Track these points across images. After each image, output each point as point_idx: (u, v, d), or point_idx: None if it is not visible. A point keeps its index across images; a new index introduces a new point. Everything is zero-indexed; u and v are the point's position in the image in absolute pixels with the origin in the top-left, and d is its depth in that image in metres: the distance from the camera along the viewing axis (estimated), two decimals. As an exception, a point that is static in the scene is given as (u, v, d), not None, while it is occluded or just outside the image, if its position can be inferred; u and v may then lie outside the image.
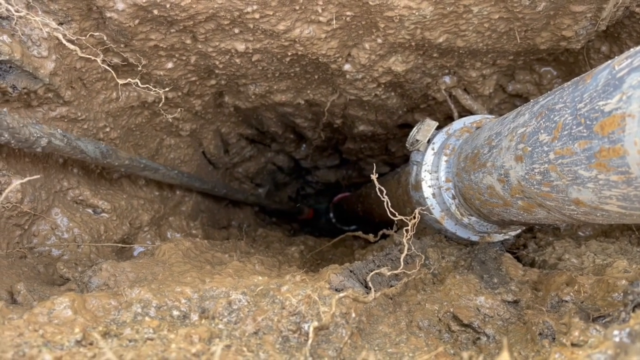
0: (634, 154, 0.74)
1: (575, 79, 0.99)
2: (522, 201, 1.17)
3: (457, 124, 1.64)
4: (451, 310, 1.20)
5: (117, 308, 0.94)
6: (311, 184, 4.56)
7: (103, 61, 1.47)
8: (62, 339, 0.77)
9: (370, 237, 1.85)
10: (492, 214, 1.38)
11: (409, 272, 1.14)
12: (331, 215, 4.80)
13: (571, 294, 1.17)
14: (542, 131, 1.01)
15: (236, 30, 1.58)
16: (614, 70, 0.82)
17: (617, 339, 0.68)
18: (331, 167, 4.05)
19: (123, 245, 1.62)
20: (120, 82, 1.47)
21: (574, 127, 0.89)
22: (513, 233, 1.61)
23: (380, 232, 1.79)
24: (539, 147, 1.01)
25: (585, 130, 0.85)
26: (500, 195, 1.23)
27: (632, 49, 0.84)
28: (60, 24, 1.38)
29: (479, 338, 1.15)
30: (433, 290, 1.33)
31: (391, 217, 1.23)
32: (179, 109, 2.04)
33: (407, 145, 1.68)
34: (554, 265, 1.50)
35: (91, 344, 0.77)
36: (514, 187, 1.16)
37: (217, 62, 1.78)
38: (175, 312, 0.95)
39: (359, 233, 1.97)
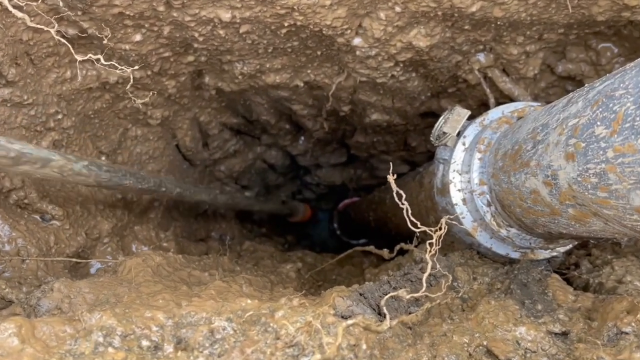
0: None
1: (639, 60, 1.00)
2: (573, 209, 1.18)
3: (494, 113, 1.65)
4: (484, 343, 1.21)
5: (74, 336, 0.96)
6: (311, 186, 4.58)
7: (57, 32, 1.49)
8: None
9: (385, 252, 1.87)
10: (537, 225, 1.39)
11: (432, 296, 1.16)
12: (335, 225, 4.82)
13: (633, 324, 1.18)
14: (598, 123, 1.02)
15: (220, -5, 1.61)
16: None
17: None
18: (336, 165, 4.07)
19: (78, 260, 1.64)
20: (79, 58, 1.49)
21: (638, 118, 0.90)
22: (562, 249, 1.62)
23: (397, 247, 1.81)
24: (595, 142, 1.02)
25: None
26: (547, 201, 1.24)
27: None
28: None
29: (518, 378, 1.17)
30: (462, 318, 1.34)
31: (411, 227, 1.25)
32: (148, 92, 2.06)
33: (431, 139, 1.69)
34: (612, 289, 1.52)
35: (43, 379, 0.79)
36: (563, 192, 1.17)
37: (196, 34, 1.80)
38: (145, 342, 0.97)
39: (371, 248, 1.99)
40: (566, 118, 1.15)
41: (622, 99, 0.96)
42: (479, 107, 2.31)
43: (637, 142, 0.90)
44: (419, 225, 1.22)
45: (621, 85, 0.99)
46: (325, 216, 4.99)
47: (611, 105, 0.99)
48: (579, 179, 1.09)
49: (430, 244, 1.16)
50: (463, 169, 1.62)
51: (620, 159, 0.95)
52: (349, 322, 0.95)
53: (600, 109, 1.02)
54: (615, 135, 0.95)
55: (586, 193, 1.09)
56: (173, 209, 2.64)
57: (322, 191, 4.64)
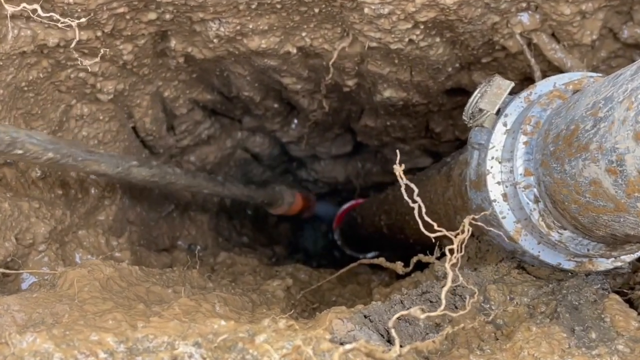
0: None
1: None
2: None
3: (544, 86, 1.66)
4: (523, 380, 1.23)
5: (0, 364, 0.97)
6: (307, 183, 4.59)
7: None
8: None
9: (398, 266, 1.88)
10: (597, 226, 1.39)
11: (454, 315, 1.18)
12: (336, 236, 4.82)
13: None
14: None
15: None
16: None
17: None
18: (339, 156, 4.08)
19: (6, 272, 1.65)
20: (10, 8, 1.50)
21: None
22: (628, 257, 1.62)
23: (414, 259, 1.82)
24: None
25: None
26: (610, 194, 1.25)
27: None
28: None
29: None
30: (495, 349, 1.35)
31: (424, 231, 1.26)
32: (97, 59, 2.07)
33: (464, 118, 1.69)
34: (687, 314, 1.53)
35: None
36: (631, 181, 1.17)
37: (159, -15, 1.81)
38: (90, 372, 0.99)
39: (380, 261, 2.00)
40: (636, 89, 1.16)
41: None
42: (521, 83, 2.31)
43: None
44: (435, 228, 1.23)
45: None
46: (328, 208, 4.81)
47: None
48: None
49: (451, 251, 1.17)
50: (504, 156, 1.62)
51: None
52: (347, 347, 0.96)
53: None
54: None
55: None
56: (129, 209, 2.65)
57: (320, 190, 4.66)
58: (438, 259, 1.76)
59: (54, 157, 1.67)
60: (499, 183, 1.61)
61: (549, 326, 1.37)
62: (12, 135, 1.50)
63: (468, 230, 1.23)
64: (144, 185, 2.36)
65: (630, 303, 1.66)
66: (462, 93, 2.67)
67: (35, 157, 1.62)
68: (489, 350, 1.34)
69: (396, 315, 1.09)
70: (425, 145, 3.47)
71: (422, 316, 1.08)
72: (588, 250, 1.56)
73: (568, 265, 1.62)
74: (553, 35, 2.10)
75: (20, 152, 1.55)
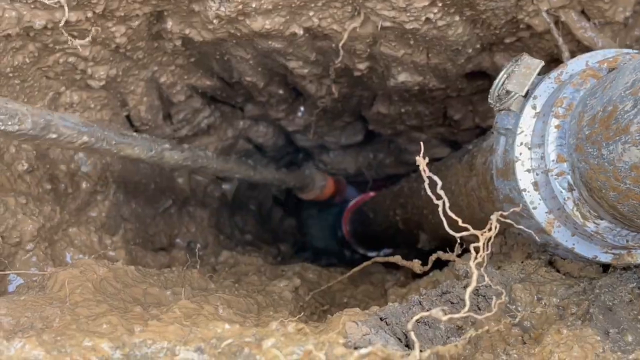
0: None
1: None
2: None
3: (576, 65, 1.66)
4: (553, 387, 1.23)
5: (-14, 372, 0.98)
6: (316, 175, 4.61)
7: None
8: None
9: (416, 265, 1.88)
10: (638, 214, 1.40)
11: (478, 317, 1.17)
12: (344, 232, 4.82)
13: None
14: None
15: None
16: None
17: None
18: (349, 146, 4.09)
19: (-8, 273, 1.65)
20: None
21: None
22: None
23: (433, 257, 1.82)
24: None
25: None
26: None
27: None
28: None
29: None
30: (522, 353, 1.36)
31: (449, 230, 1.26)
32: (87, 41, 2.07)
33: (490, 101, 1.69)
34: None
35: None
36: None
37: (154, -39, 1.81)
38: (84, 381, 0.99)
39: (396, 259, 2.00)
40: None
41: None
42: (548, 65, 2.30)
43: None
44: (460, 224, 1.22)
45: None
46: (357, 193, 4.76)
47: None
48: None
49: (476, 249, 1.17)
50: (534, 141, 1.62)
51: None
52: (363, 351, 0.96)
53: None
54: None
55: None
56: (124, 204, 2.66)
57: (331, 184, 4.67)
58: (459, 256, 1.76)
59: (88, 141, 1.71)
60: (528, 171, 1.61)
61: (581, 329, 1.37)
62: (46, 118, 1.52)
63: (496, 228, 1.23)
64: (176, 168, 2.37)
65: (669, 303, 1.66)
66: (483, 77, 2.67)
67: (70, 142, 1.65)
68: (515, 355, 1.35)
69: (415, 317, 1.09)
70: (442, 134, 3.48)
71: (444, 318, 1.08)
72: (627, 241, 1.56)
73: (605, 258, 1.62)
74: (582, 12, 2.09)
75: (54, 135, 1.58)
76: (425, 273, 1.93)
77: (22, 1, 1.49)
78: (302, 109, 3.44)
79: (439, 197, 1.26)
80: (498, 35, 2.30)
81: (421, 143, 1.54)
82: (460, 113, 3.13)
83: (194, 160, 2.32)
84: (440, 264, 1.89)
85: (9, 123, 1.41)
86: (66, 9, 1.64)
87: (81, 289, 1.47)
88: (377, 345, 1.01)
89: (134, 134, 2.00)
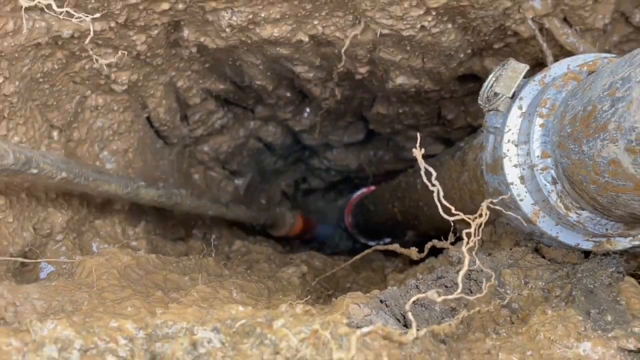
0: None
1: None
2: None
3: (558, 68, 1.66)
4: (539, 363, 1.23)
5: (21, 351, 0.98)
6: (319, 172, 4.59)
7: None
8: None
9: (413, 252, 1.88)
10: (616, 205, 1.40)
11: (470, 298, 1.18)
12: (348, 223, 4.81)
13: None
14: None
15: None
16: None
17: None
18: (351, 145, 4.09)
19: (25, 261, 1.66)
20: (24, 3, 1.50)
21: None
22: None
23: (429, 245, 1.82)
24: None
25: None
26: (630, 173, 1.26)
27: None
28: None
29: (581, 406, 1.19)
30: (511, 332, 1.36)
31: (444, 214, 1.26)
32: (112, 51, 2.08)
33: (479, 102, 1.70)
34: (701, 296, 1.53)
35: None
36: None
37: (172, -25, 1.81)
38: (111, 358, 0.99)
39: (395, 247, 2.00)
40: None
41: None
42: (533, 68, 2.30)
43: None
44: (453, 212, 1.23)
45: None
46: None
47: None
48: None
49: (468, 235, 1.17)
50: (520, 138, 1.63)
51: None
52: (365, 330, 0.97)
53: None
54: None
55: None
56: (144, 199, 2.67)
57: (333, 178, 4.66)
58: (452, 244, 1.76)
59: (67, 177, 1.70)
60: (515, 166, 1.62)
61: (564, 309, 1.37)
62: (27, 155, 1.51)
63: (486, 214, 1.23)
64: (152, 205, 2.36)
65: (644, 285, 1.66)
66: (474, 79, 2.67)
67: (50, 177, 1.63)
68: (504, 334, 1.35)
69: (413, 299, 1.09)
70: (437, 133, 3.47)
71: (439, 299, 1.08)
72: (606, 229, 1.56)
73: (587, 245, 1.62)
74: (565, 19, 2.09)
75: (35, 171, 1.56)
76: (422, 260, 1.93)
77: (53, 11, 1.49)
78: (307, 110, 3.44)
79: (432, 184, 1.26)
80: (487, 41, 2.30)
81: (418, 134, 1.54)
82: (453, 113, 3.13)
83: (168, 198, 2.32)
84: (435, 252, 1.89)
85: None
86: (91, 25, 1.64)
87: (107, 275, 1.48)
88: (378, 324, 1.01)
89: (110, 172, 2.00)
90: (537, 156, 1.57)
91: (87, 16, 1.41)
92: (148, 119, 2.69)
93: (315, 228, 4.76)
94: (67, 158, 1.76)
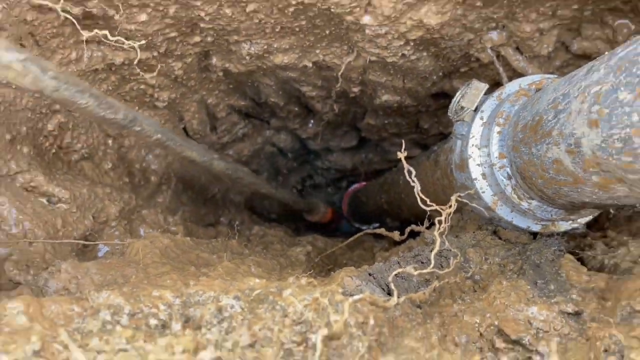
0: None
1: None
2: (597, 176, 1.20)
3: (512, 87, 1.67)
4: (496, 323, 1.23)
5: (82, 315, 0.98)
6: (321, 171, 4.59)
7: (64, 10, 1.51)
8: (16, 349, 0.82)
9: (396, 235, 1.88)
10: (559, 195, 1.41)
11: (441, 272, 1.18)
12: (344, 211, 4.81)
13: (647, 303, 1.19)
14: (622, 88, 1.03)
15: (226, -27, 1.62)
16: None
17: (695, 350, 0.71)
18: (347, 149, 4.08)
19: (85, 243, 1.66)
20: (85, 34, 1.50)
21: None
22: (584, 220, 1.64)
23: (408, 229, 1.82)
24: (619, 108, 1.03)
25: None
26: (570, 170, 1.26)
27: None
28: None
29: (530, 357, 1.18)
30: (473, 299, 1.36)
31: (422, 206, 1.26)
32: (154, 74, 2.08)
33: (449, 114, 1.70)
34: (628, 269, 1.53)
35: (52, 354, 0.82)
36: (587, 160, 1.18)
37: (202, 14, 1.81)
38: (153, 321, 0.99)
39: (381, 230, 2.00)
40: (588, 86, 1.16)
41: None
42: (492, 87, 2.30)
43: None
44: (428, 203, 1.23)
45: None
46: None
47: (635, 70, 1.01)
48: (603, 145, 1.10)
49: (440, 222, 1.18)
50: (482, 143, 1.63)
51: None
52: (355, 297, 0.97)
53: (624, 75, 1.04)
54: None
55: (610, 159, 1.10)
56: (182, 193, 2.66)
57: (333, 176, 4.66)
58: (427, 228, 1.76)
59: (160, 138, 1.70)
60: (478, 165, 1.62)
61: (516, 280, 1.37)
62: (133, 114, 1.53)
63: (454, 206, 1.24)
64: (219, 174, 2.35)
65: (581, 261, 1.66)
66: (445, 96, 2.66)
67: (148, 135, 1.64)
68: (468, 300, 1.35)
69: (394, 273, 1.09)
70: (415, 139, 3.46)
71: (415, 273, 1.08)
72: (551, 215, 1.58)
73: (535, 227, 1.64)
74: (517, 48, 2.09)
75: (138, 128, 1.57)
76: (403, 241, 1.93)
77: (106, 44, 1.49)
78: (311, 121, 3.43)
79: (412, 180, 1.26)
80: (455, 66, 2.29)
81: (402, 141, 1.55)
82: (428, 123, 3.12)
83: (234, 171, 2.32)
84: (414, 234, 1.89)
85: (108, 112, 1.41)
86: (138, 51, 1.65)
87: (151, 254, 1.48)
88: (366, 293, 1.01)
89: (194, 142, 2.00)
90: (496, 157, 1.57)
91: (135, 42, 1.41)
92: (184, 129, 2.69)
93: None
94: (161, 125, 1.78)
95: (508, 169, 1.57)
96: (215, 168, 2.17)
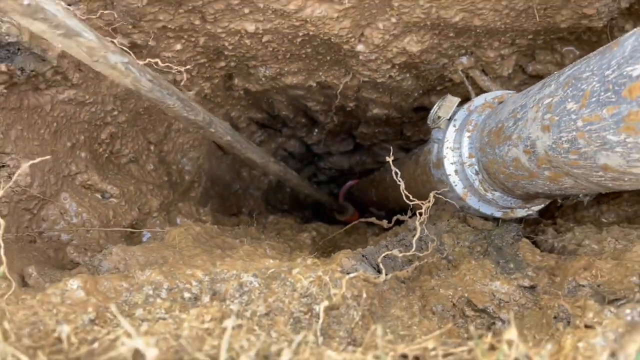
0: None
1: (601, 48, 1.03)
2: (548, 171, 1.21)
3: (479, 100, 1.67)
4: (465, 295, 1.23)
5: (129, 290, 0.98)
6: (324, 170, 4.57)
7: (120, 44, 1.50)
8: (76, 318, 0.81)
9: (384, 223, 1.87)
10: (517, 187, 1.41)
11: (420, 255, 1.17)
12: (341, 203, 4.80)
13: (588, 278, 1.19)
14: (569, 100, 1.04)
15: (246, 10, 1.61)
16: (641, 35, 0.86)
17: (628, 318, 0.71)
18: (344, 152, 4.07)
19: (132, 230, 1.66)
20: (140, 62, 1.50)
21: (602, 93, 0.93)
22: (536, 208, 1.65)
23: (394, 218, 1.81)
24: (567, 115, 1.04)
25: (613, 96, 0.90)
26: (526, 167, 1.26)
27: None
28: (69, 4, 1.41)
29: (493, 323, 1.18)
30: (447, 275, 1.35)
31: (406, 200, 1.26)
32: (192, 93, 2.08)
33: (428, 122, 1.71)
34: (573, 251, 1.52)
35: (105, 322, 0.81)
36: (540, 158, 1.19)
37: (226, 44, 1.81)
38: (187, 294, 0.99)
39: (372, 219, 1.99)
40: (541, 98, 1.17)
41: (589, 79, 0.99)
42: (463, 101, 2.29)
43: (602, 112, 0.93)
44: (412, 198, 1.23)
45: (587, 68, 1.02)
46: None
47: (579, 85, 1.02)
48: (553, 145, 1.11)
49: (420, 213, 1.17)
50: (455, 145, 1.63)
51: (588, 127, 0.98)
52: (351, 275, 0.96)
53: (571, 89, 1.05)
54: (584, 109, 0.98)
55: (559, 157, 1.11)
56: (210, 188, 2.66)
57: (333, 174, 4.64)
58: (410, 217, 1.75)
59: (230, 140, 1.73)
60: (452, 163, 1.63)
61: (482, 260, 1.37)
62: (210, 117, 1.57)
63: (432, 200, 1.23)
64: (275, 175, 2.34)
65: (535, 244, 1.65)
66: (424, 110, 2.65)
67: (220, 137, 1.66)
68: (443, 276, 1.34)
69: (382, 255, 1.09)
70: (400, 144, 3.45)
71: (400, 255, 1.08)
72: (510, 204, 1.59)
73: (498, 214, 1.65)
74: (483, 70, 2.08)
75: (213, 130, 1.60)
76: (390, 228, 1.92)
77: (159, 67, 1.48)
78: (315, 130, 3.42)
79: (399, 180, 1.26)
80: (432, 85, 2.29)
81: (390, 147, 1.55)
82: (411, 132, 3.11)
83: (285, 173, 2.34)
84: (399, 223, 1.88)
85: (190, 113, 1.42)
86: (184, 74, 1.64)
87: (185, 239, 1.48)
88: (360, 271, 1.01)
89: (256, 146, 2.02)
90: (466, 157, 1.58)
91: (182, 68, 1.40)
92: (212, 137, 2.69)
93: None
94: (231, 129, 1.80)
95: (476, 167, 1.57)
96: (271, 169, 2.19)
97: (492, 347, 0.73)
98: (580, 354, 0.70)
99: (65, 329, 0.70)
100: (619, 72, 0.88)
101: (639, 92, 0.83)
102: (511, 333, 0.61)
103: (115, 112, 1.81)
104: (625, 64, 0.88)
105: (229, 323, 0.72)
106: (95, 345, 0.69)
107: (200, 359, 0.66)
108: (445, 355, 0.69)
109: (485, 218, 1.68)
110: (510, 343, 0.61)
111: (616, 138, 0.91)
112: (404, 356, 0.71)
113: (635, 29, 0.92)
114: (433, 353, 0.69)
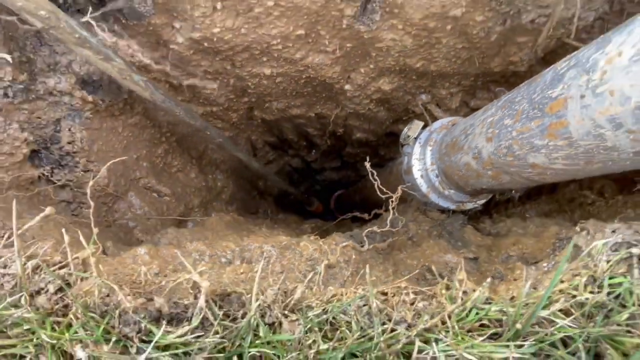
0: (574, 123, 0.83)
1: (528, 80, 1.07)
2: (491, 171, 1.23)
3: (437, 124, 1.69)
4: (426, 264, 1.25)
5: (181, 250, 1.01)
6: (319, 182, 4.59)
7: (167, 82, 1.54)
8: (146, 270, 0.84)
9: (366, 216, 1.89)
10: (467, 185, 1.42)
11: (393, 231, 1.20)
12: (332, 206, 4.79)
13: (516, 250, 1.22)
14: (506, 117, 1.08)
15: (264, 59, 1.65)
16: (557, 69, 0.90)
17: (545, 268, 0.74)
18: (334, 168, 4.08)
19: (181, 219, 1.68)
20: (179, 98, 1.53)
21: (530, 111, 0.97)
22: (481, 202, 1.65)
23: (373, 212, 1.83)
24: (504, 129, 1.08)
25: (539, 112, 0.94)
26: (474, 168, 1.28)
27: (567, 55, 0.92)
28: (139, 52, 1.45)
29: (447, 285, 1.20)
30: (412, 251, 1.37)
31: (379, 194, 1.28)
32: (220, 121, 2.10)
33: (400, 140, 1.73)
34: (504, 234, 1.55)
35: (165, 276, 0.84)
36: (485, 161, 1.21)
37: (249, 84, 1.84)
38: (223, 259, 1.02)
39: (356, 213, 2.01)
40: (485, 118, 1.20)
41: (520, 102, 1.03)
42: (423, 128, 2.31)
43: (530, 124, 0.97)
44: (387, 192, 1.25)
45: (518, 94, 1.06)
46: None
47: (513, 106, 1.05)
48: (495, 151, 1.14)
49: (392, 200, 1.20)
50: (420, 157, 1.65)
51: (521, 136, 1.01)
52: (343, 244, 0.99)
53: (507, 110, 1.08)
54: (517, 123, 1.02)
55: (499, 159, 1.14)
56: (236, 193, 2.68)
57: (326, 185, 4.65)
58: (385, 211, 1.77)
59: (222, 142, 1.76)
60: (418, 170, 1.65)
61: (438, 240, 1.39)
62: (206, 124, 1.60)
63: (400, 192, 1.26)
64: (255, 170, 2.42)
65: (477, 230, 1.67)
66: (394, 135, 2.67)
67: (213, 138, 1.69)
68: (410, 251, 1.36)
69: (366, 231, 1.11)
70: (376, 162, 3.44)
71: (378, 231, 1.10)
72: (462, 199, 1.60)
73: (452, 207, 1.66)
74: (437, 104, 2.11)
75: (208, 133, 1.63)
76: (370, 220, 1.94)
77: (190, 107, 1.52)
78: (313, 150, 3.43)
79: (374, 179, 1.28)
80: (400, 115, 2.31)
81: (367, 158, 1.56)
82: (384, 152, 3.12)
83: (261, 169, 2.37)
84: (377, 217, 1.90)
85: (191, 120, 1.46)
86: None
87: (219, 224, 1.50)
88: (350, 242, 1.03)
89: (255, 161, 2.06)
90: (429, 164, 1.60)
91: (214, 106, 1.43)
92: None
93: (324, 211, 4.75)
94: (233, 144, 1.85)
95: (436, 171, 1.59)
96: (253, 166, 2.27)
97: (447, 287, 0.76)
98: (510, 292, 0.73)
99: (143, 269, 0.73)
100: (542, 95, 0.93)
101: (558, 108, 0.87)
102: (461, 274, 0.64)
103: (168, 134, 1.84)
104: (547, 89, 0.92)
105: (259, 267, 0.75)
106: (163, 283, 0.72)
107: (239, 290, 0.69)
108: (415, 293, 0.72)
109: (442, 211, 1.70)
110: (461, 281, 0.64)
111: (541, 142, 0.95)
112: (384, 293, 0.74)
113: (552, 65, 0.96)
114: (405, 291, 0.72)
